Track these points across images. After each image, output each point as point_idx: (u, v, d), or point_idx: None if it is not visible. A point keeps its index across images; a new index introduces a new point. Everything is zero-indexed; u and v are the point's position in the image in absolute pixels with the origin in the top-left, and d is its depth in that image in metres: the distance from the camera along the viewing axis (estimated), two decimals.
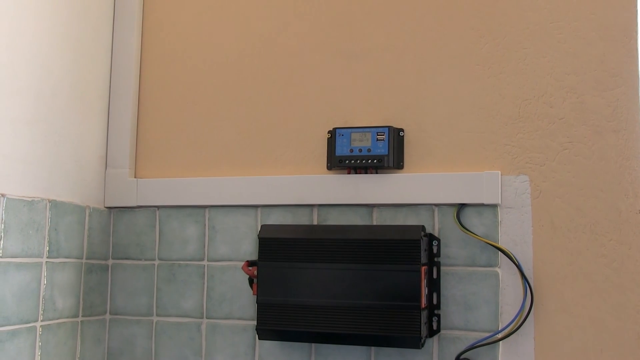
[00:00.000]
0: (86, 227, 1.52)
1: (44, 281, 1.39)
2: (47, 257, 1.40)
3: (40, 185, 1.40)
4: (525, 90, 1.38)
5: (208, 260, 1.53)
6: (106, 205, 1.60)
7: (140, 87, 1.65)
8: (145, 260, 1.58)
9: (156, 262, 1.57)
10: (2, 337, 1.27)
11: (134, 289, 1.58)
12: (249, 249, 1.50)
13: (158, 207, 1.58)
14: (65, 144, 1.47)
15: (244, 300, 1.50)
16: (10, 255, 1.30)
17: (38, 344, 1.36)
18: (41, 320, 1.38)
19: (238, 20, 1.59)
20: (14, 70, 1.34)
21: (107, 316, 1.58)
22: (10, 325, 1.29)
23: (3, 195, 1.29)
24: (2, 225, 1.29)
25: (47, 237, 1.40)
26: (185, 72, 1.62)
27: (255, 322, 1.47)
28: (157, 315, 1.55)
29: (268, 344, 1.47)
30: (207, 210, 1.55)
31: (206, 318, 1.52)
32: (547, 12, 1.38)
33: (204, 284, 1.53)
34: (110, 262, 1.60)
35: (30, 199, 1.36)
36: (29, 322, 1.34)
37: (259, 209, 1.51)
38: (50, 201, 1.41)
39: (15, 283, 1.31)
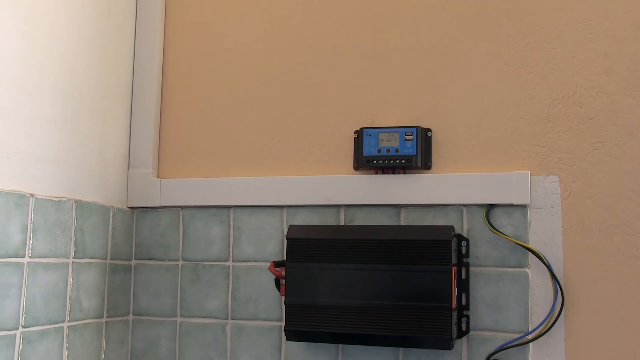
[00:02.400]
0: (110, 227, 1.52)
1: (70, 282, 1.38)
2: (74, 258, 1.39)
3: (66, 185, 1.39)
4: (554, 90, 1.37)
5: (233, 261, 1.52)
6: (129, 206, 1.59)
7: (162, 87, 1.64)
8: (169, 260, 1.57)
9: (180, 263, 1.56)
10: (32, 337, 1.27)
11: (158, 289, 1.57)
12: (275, 249, 1.50)
13: (182, 207, 1.57)
14: (89, 143, 1.47)
15: (270, 301, 1.49)
16: (39, 256, 1.30)
17: (65, 344, 1.36)
18: (68, 321, 1.37)
19: (263, 19, 1.58)
20: (43, 70, 1.34)
21: (131, 317, 1.58)
22: (39, 325, 1.29)
23: (32, 195, 1.29)
24: (31, 225, 1.28)
25: (73, 237, 1.39)
26: (209, 71, 1.61)
27: (280, 323, 1.47)
28: (182, 316, 1.55)
29: (294, 345, 1.46)
30: (231, 210, 1.54)
31: (231, 319, 1.51)
32: (577, 12, 1.37)
33: (228, 284, 1.52)
34: (133, 262, 1.59)
35: (57, 199, 1.35)
36: (57, 323, 1.34)
37: (285, 210, 1.50)
38: (76, 201, 1.41)
39: (44, 283, 1.31)
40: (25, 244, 1.27)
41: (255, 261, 1.51)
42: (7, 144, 1.24)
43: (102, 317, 1.48)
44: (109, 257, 1.51)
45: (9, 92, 1.25)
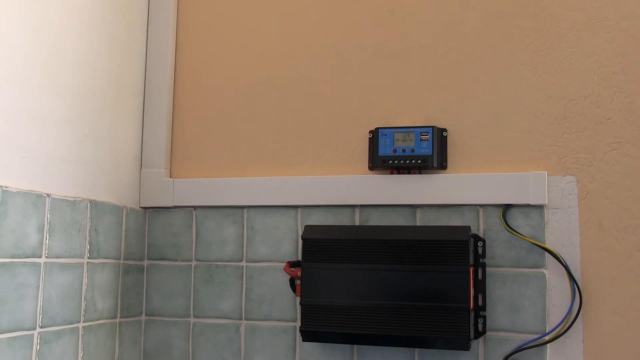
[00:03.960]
0: (123, 227, 1.51)
1: (85, 282, 1.37)
2: (88, 258, 1.39)
3: (80, 185, 1.38)
4: (571, 90, 1.37)
5: (247, 261, 1.52)
6: (141, 206, 1.59)
7: (175, 86, 1.63)
8: (182, 261, 1.56)
9: (193, 263, 1.56)
10: (48, 337, 1.26)
11: (170, 290, 1.56)
12: (289, 249, 1.49)
13: (194, 207, 1.57)
14: (102, 143, 1.46)
15: (284, 302, 1.48)
16: (55, 256, 1.29)
17: (80, 345, 1.35)
18: (83, 322, 1.36)
19: (277, 18, 1.58)
20: (56, 70, 1.33)
21: (143, 317, 1.57)
22: (55, 326, 1.28)
23: (48, 195, 1.28)
24: (48, 225, 1.27)
25: (88, 237, 1.39)
26: (222, 70, 1.60)
27: (295, 324, 1.47)
28: (195, 316, 1.54)
29: (308, 345, 1.46)
30: (245, 210, 1.53)
31: (245, 319, 1.51)
32: (594, 11, 1.37)
33: (242, 285, 1.52)
34: (146, 262, 1.58)
35: (72, 199, 1.35)
36: (72, 323, 1.33)
37: (299, 210, 1.50)
38: (90, 201, 1.40)
39: (60, 284, 1.30)
40: (42, 244, 1.26)
41: (270, 261, 1.50)
42: (23, 143, 1.24)
43: (116, 318, 1.47)
44: (122, 258, 1.50)
45: (23, 92, 1.25)
